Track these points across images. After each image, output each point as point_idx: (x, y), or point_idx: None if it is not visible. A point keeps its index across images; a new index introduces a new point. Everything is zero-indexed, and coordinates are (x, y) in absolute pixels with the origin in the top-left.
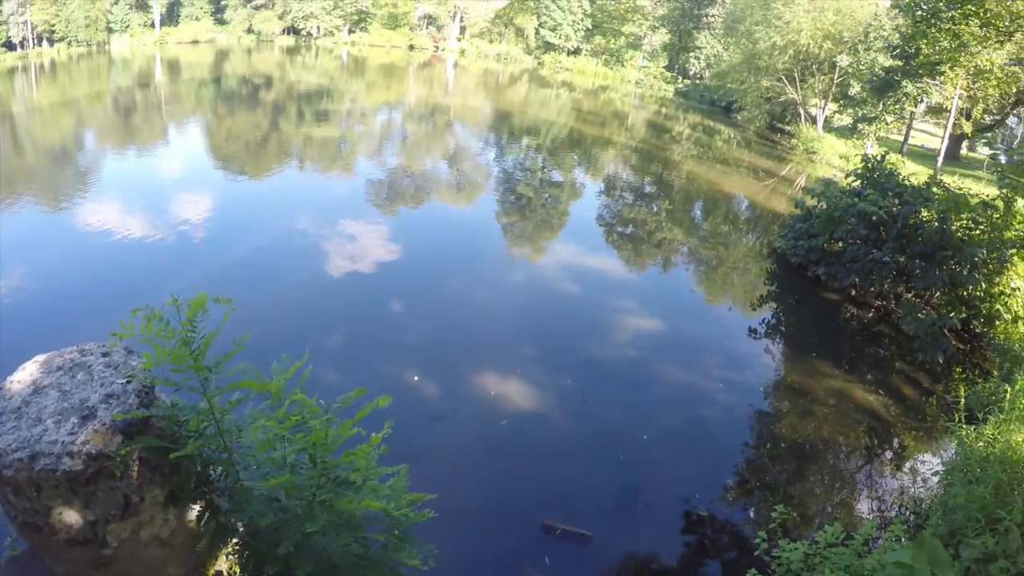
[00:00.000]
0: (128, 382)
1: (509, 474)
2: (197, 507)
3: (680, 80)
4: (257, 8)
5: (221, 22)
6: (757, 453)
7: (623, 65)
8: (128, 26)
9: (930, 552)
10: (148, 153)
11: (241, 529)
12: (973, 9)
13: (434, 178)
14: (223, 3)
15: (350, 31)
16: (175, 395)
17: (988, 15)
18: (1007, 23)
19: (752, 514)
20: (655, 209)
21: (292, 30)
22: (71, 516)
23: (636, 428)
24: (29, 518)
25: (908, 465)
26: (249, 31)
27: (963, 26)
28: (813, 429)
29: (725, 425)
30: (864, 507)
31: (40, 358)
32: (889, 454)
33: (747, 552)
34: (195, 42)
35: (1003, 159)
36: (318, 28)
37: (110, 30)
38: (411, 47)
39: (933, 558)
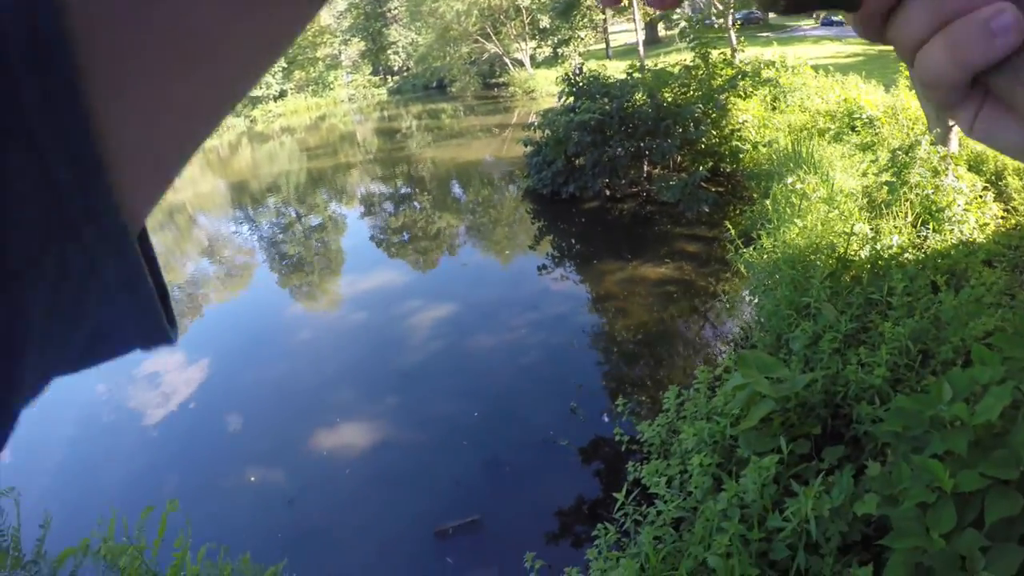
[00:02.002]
0: None
1: (380, 513)
2: None
3: (389, 79)
4: None
5: None
6: (587, 367)
7: (331, 88)
8: None
9: (756, 363)
10: None
11: None
12: None
13: (197, 275)
14: None
15: None
16: None
17: None
18: None
19: (607, 419)
20: (417, 206)
21: None
22: None
23: (468, 409)
24: None
25: (720, 307)
26: None
27: None
28: (625, 321)
29: (548, 362)
30: (699, 361)
31: None
32: (700, 306)
33: (619, 453)
34: None
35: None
36: None
37: None
38: None
39: (760, 366)
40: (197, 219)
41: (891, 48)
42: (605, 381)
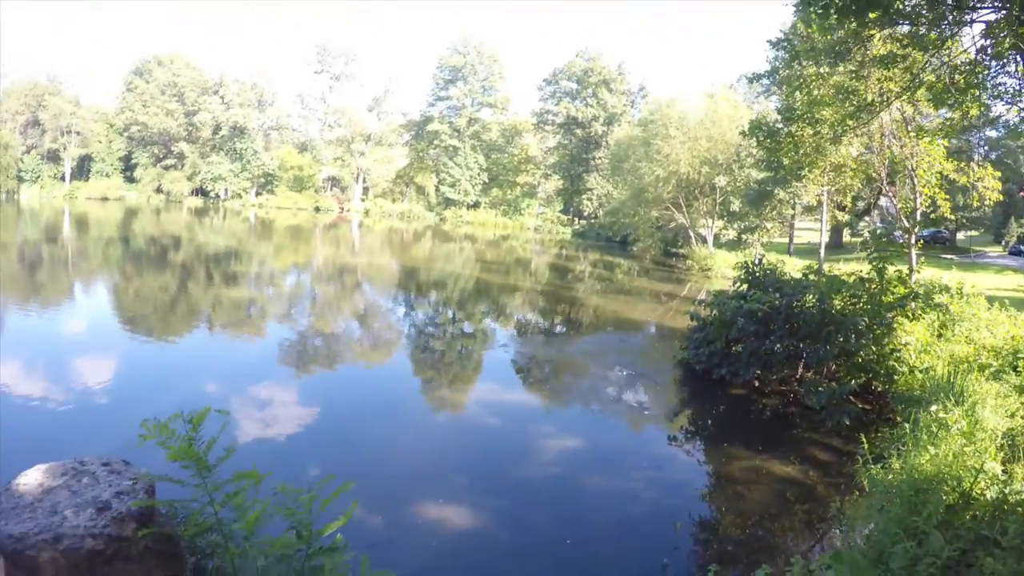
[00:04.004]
0: (135, 482)
1: None
2: None
3: (576, 221)
4: (167, 168)
5: (131, 180)
6: (689, 532)
7: (521, 213)
8: (39, 176)
9: (849, 564)
10: (52, 312)
11: None
12: (812, 120)
13: (347, 338)
14: (133, 161)
15: (257, 193)
16: (175, 501)
17: (828, 123)
18: (849, 125)
19: None
20: (568, 347)
21: (200, 191)
22: None
23: (565, 535)
24: None
25: (831, 510)
26: (158, 190)
27: (807, 131)
28: (739, 504)
29: (653, 518)
30: (798, 555)
31: (41, 467)
32: (811, 505)
33: None
34: (104, 199)
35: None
36: (226, 190)
37: (20, 179)
38: (317, 209)
39: (854, 568)
40: (363, 285)
41: None
42: (702, 549)
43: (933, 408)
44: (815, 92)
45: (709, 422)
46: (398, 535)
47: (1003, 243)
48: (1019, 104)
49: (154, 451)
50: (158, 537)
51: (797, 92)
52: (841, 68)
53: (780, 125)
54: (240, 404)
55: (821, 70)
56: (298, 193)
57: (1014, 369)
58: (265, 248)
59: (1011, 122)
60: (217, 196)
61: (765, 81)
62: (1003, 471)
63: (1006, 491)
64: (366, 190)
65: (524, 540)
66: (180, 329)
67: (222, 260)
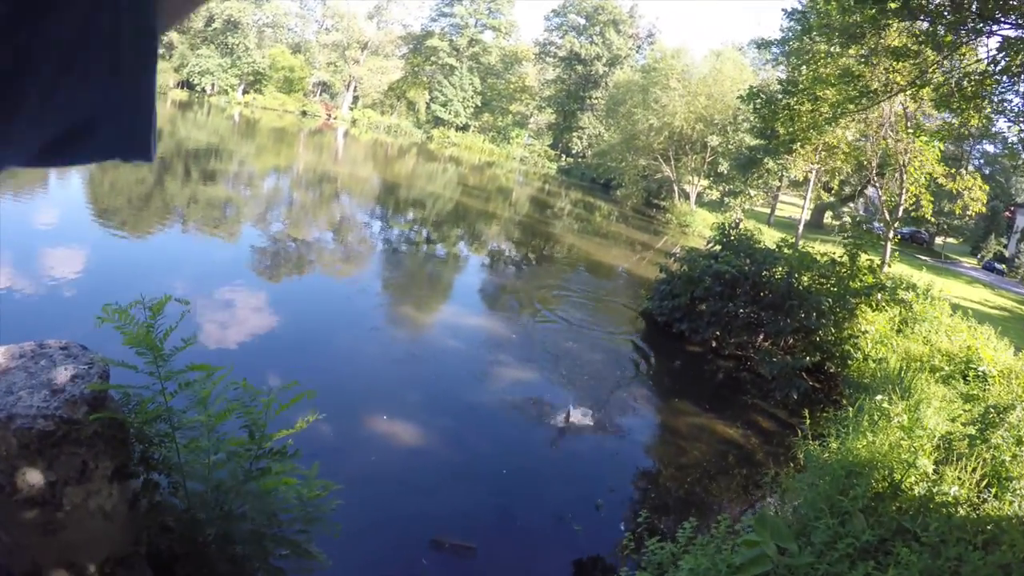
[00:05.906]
0: (91, 366)
1: (392, 501)
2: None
3: (563, 158)
4: None
5: None
6: (627, 478)
7: (509, 142)
8: None
9: (771, 528)
10: (24, 201)
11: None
12: (819, 95)
13: (319, 248)
14: None
15: (244, 91)
16: (129, 387)
17: (828, 102)
18: (849, 108)
19: (623, 527)
20: (537, 282)
21: (186, 84)
22: (34, 476)
23: (505, 464)
24: None
25: (766, 478)
26: None
27: (806, 106)
28: (677, 456)
29: (594, 460)
30: (727, 514)
31: (0, 348)
32: (748, 471)
33: (621, 556)
34: None
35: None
36: (213, 85)
37: None
38: (304, 113)
39: (775, 532)
40: (341, 195)
41: None
42: (637, 495)
43: (879, 397)
44: (821, 69)
45: (663, 374)
46: (345, 445)
47: (979, 257)
48: (1021, 124)
49: (115, 339)
50: (108, 423)
51: (804, 66)
52: (852, 51)
53: (780, 96)
54: (205, 303)
55: (832, 49)
56: (286, 95)
57: (964, 377)
58: (247, 148)
59: (1010, 141)
60: (203, 91)
61: (775, 50)
62: (935, 471)
63: (934, 490)
64: (356, 99)
65: (464, 463)
66: (152, 224)
67: (202, 157)
